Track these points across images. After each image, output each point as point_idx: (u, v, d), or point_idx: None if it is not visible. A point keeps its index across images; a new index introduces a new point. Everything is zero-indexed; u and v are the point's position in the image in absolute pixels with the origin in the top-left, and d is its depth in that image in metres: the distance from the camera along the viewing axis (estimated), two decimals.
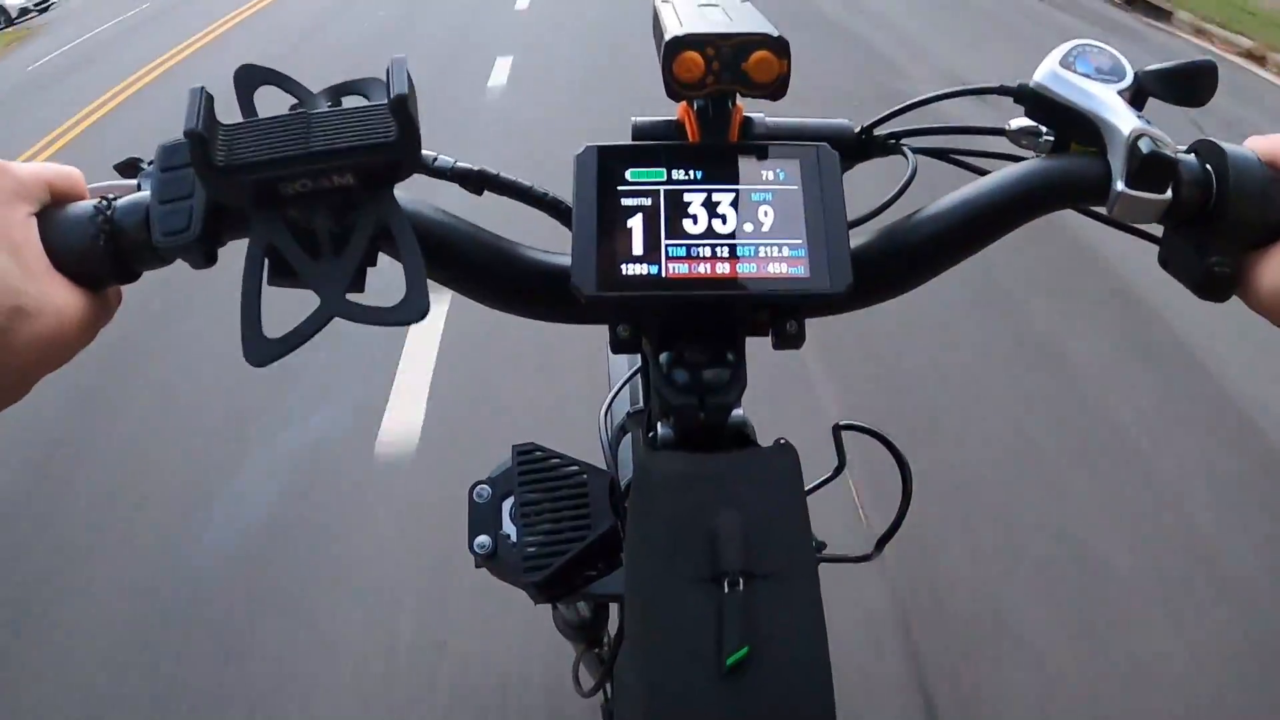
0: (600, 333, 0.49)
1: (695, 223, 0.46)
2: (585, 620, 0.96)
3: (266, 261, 0.41)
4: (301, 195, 0.40)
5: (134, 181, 0.47)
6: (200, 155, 0.37)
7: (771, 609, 0.41)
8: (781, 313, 0.46)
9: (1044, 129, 0.56)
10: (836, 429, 0.64)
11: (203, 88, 0.38)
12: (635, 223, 0.46)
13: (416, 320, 0.39)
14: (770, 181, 0.47)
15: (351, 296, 0.40)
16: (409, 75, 0.39)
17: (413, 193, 0.46)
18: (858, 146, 0.59)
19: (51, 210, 0.44)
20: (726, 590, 0.41)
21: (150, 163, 0.46)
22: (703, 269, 0.45)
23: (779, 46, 0.46)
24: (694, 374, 0.47)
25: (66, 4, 14.01)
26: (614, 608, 0.96)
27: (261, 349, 0.39)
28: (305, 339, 0.39)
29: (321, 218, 0.41)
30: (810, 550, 0.43)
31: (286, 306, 0.44)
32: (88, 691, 1.81)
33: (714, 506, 0.43)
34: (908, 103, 0.59)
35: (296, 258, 0.40)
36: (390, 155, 0.39)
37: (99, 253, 0.43)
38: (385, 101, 0.39)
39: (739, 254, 0.45)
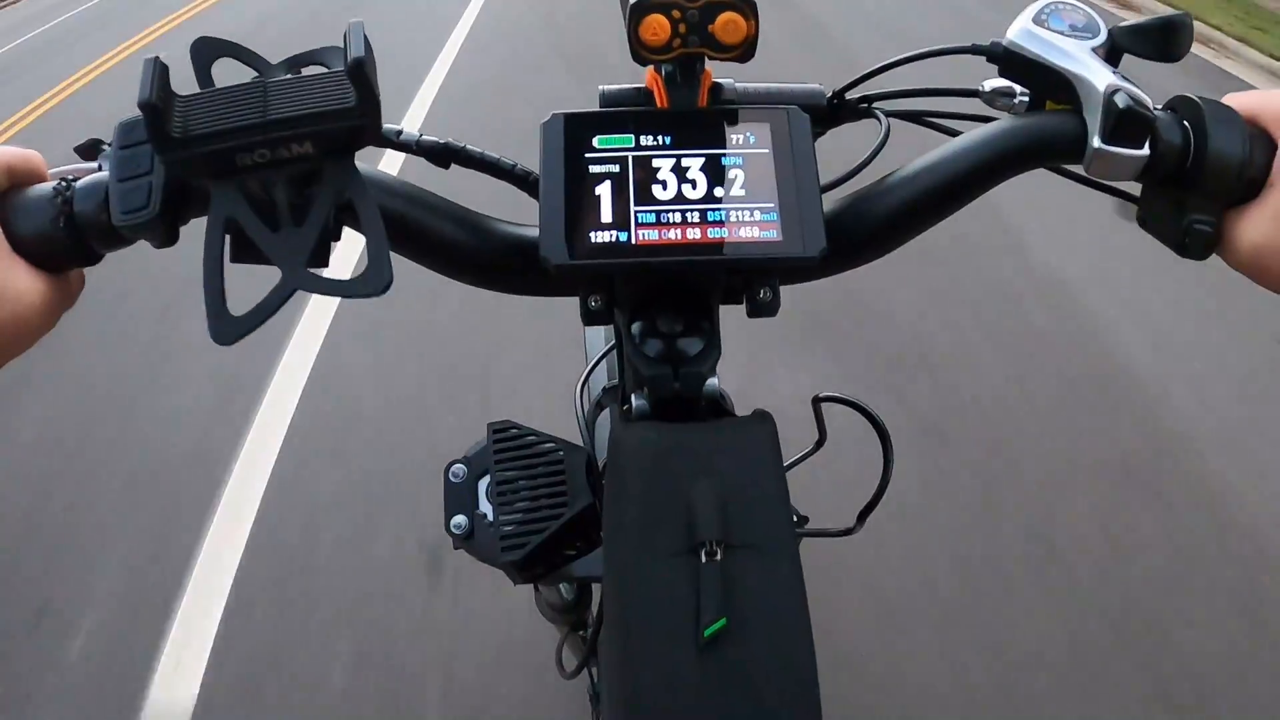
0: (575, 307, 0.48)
1: (665, 189, 0.45)
2: (568, 602, 0.96)
3: (228, 237, 0.40)
4: (260, 166, 0.38)
5: (95, 164, 0.46)
6: (155, 127, 0.36)
7: (750, 580, 0.40)
8: (755, 278, 0.46)
9: (1018, 88, 0.55)
10: (816, 401, 0.63)
11: (157, 58, 0.36)
12: (604, 190, 0.45)
13: (379, 293, 0.38)
14: (740, 145, 0.46)
15: (315, 271, 0.39)
16: (366, 40, 0.37)
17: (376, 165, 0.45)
18: (830, 111, 0.58)
19: (10, 194, 0.43)
20: (704, 561, 0.40)
21: (111, 143, 0.44)
22: (673, 235, 0.44)
23: (746, 7, 0.45)
24: (667, 343, 0.46)
25: None
26: (596, 589, 0.95)
27: (227, 327, 0.38)
28: (270, 314, 0.38)
29: (281, 189, 0.39)
30: (789, 518, 0.42)
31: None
32: None
33: (690, 478, 0.42)
34: (879, 65, 0.58)
35: (257, 231, 0.39)
36: (349, 121, 0.38)
37: (59, 235, 0.42)
38: (343, 68, 0.38)
39: (710, 219, 0.44)
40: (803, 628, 0.40)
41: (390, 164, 2.91)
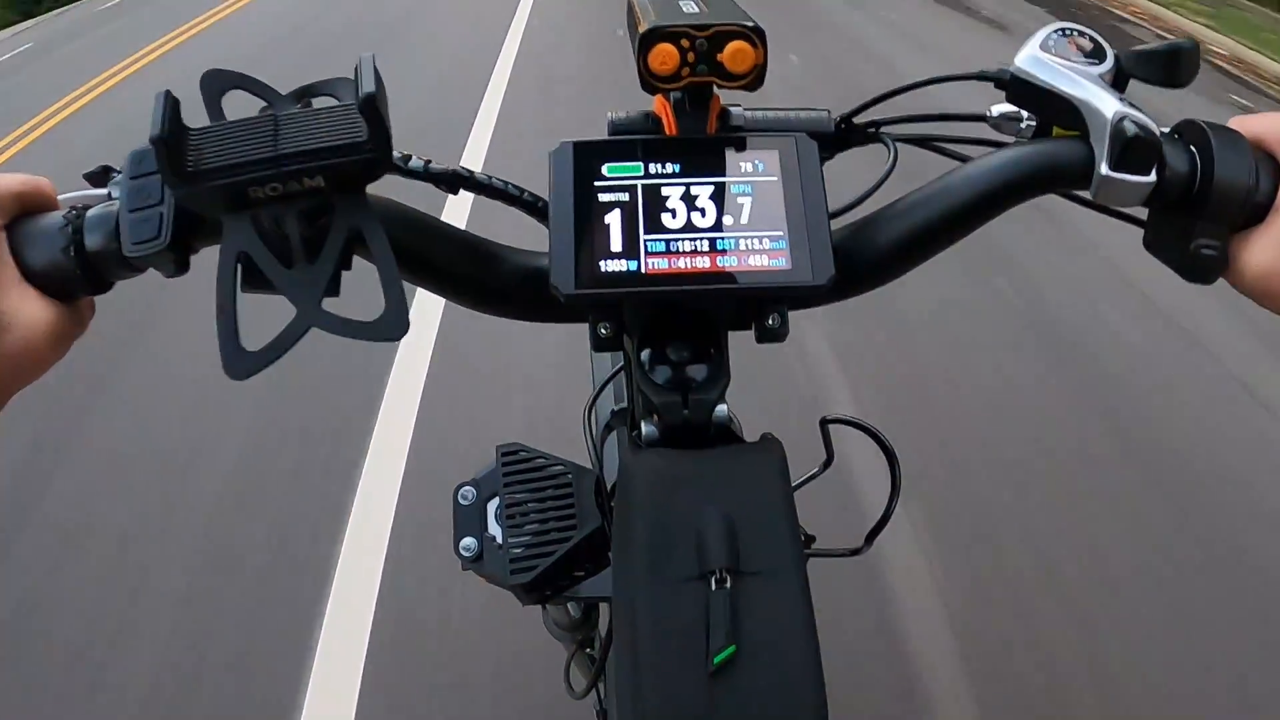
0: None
1: (674, 217, 0.45)
2: (575, 621, 0.95)
3: (240, 269, 0.40)
4: (272, 199, 0.39)
5: (104, 190, 0.46)
6: (167, 161, 0.37)
7: (758, 606, 0.40)
8: (764, 306, 0.46)
9: (1025, 114, 0.55)
10: (824, 423, 0.63)
11: (168, 92, 0.37)
12: (613, 218, 0.45)
13: (396, 337, 0.38)
14: (749, 173, 0.46)
15: (329, 302, 0.40)
16: (377, 73, 0.38)
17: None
18: (837, 136, 0.58)
19: (21, 222, 0.43)
20: (713, 588, 0.40)
21: (121, 170, 0.45)
22: (682, 264, 0.44)
23: (755, 36, 0.45)
24: (676, 371, 0.46)
25: None
26: (604, 607, 0.95)
27: (241, 362, 0.38)
28: (284, 351, 0.39)
29: (293, 222, 0.40)
30: (797, 545, 0.43)
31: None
32: None
33: (699, 505, 0.42)
34: (886, 91, 0.58)
35: (270, 266, 0.39)
36: (360, 156, 0.38)
37: (70, 264, 0.42)
38: (354, 101, 0.38)
39: (719, 247, 0.44)
40: (811, 654, 0.40)
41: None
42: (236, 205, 0.39)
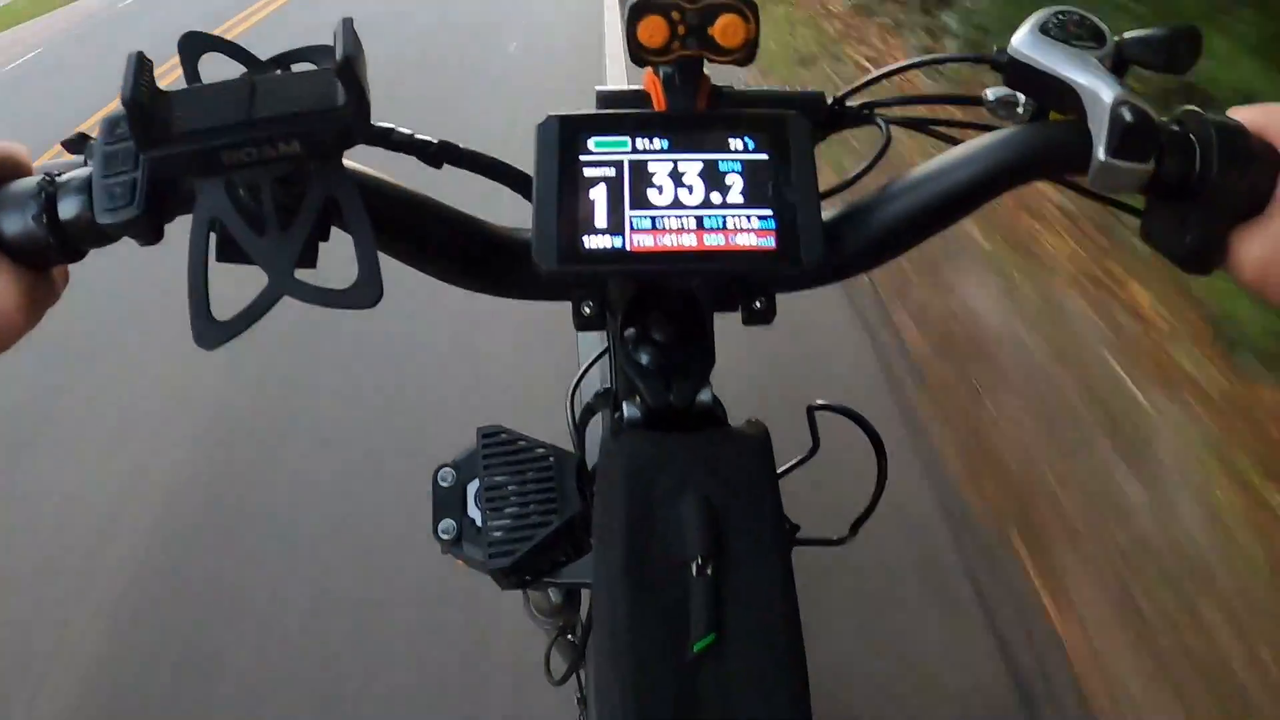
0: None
1: (661, 193, 0.44)
2: (556, 606, 0.95)
3: (213, 238, 0.39)
4: (246, 165, 0.38)
5: (81, 158, 0.45)
6: (138, 124, 0.36)
7: (740, 593, 0.40)
8: (750, 288, 0.45)
9: (1022, 97, 0.54)
10: (811, 410, 0.63)
11: (140, 53, 0.36)
12: (598, 194, 0.44)
13: (369, 306, 0.38)
14: (739, 150, 0.45)
15: (303, 273, 0.39)
16: (356, 37, 0.36)
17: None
18: (830, 116, 0.57)
19: None
20: (694, 575, 0.39)
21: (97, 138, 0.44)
22: (668, 241, 0.43)
23: (747, 9, 0.44)
24: (660, 353, 0.46)
25: None
26: (585, 593, 0.94)
27: (211, 331, 0.38)
28: (256, 319, 0.38)
29: (267, 189, 0.39)
30: (781, 531, 0.42)
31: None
32: None
33: (681, 490, 0.42)
34: (881, 71, 0.57)
35: (242, 234, 0.38)
36: (337, 122, 0.37)
37: (42, 232, 0.41)
38: (332, 66, 0.37)
39: (706, 225, 0.43)
40: (793, 641, 0.40)
41: None
42: (210, 170, 0.38)
